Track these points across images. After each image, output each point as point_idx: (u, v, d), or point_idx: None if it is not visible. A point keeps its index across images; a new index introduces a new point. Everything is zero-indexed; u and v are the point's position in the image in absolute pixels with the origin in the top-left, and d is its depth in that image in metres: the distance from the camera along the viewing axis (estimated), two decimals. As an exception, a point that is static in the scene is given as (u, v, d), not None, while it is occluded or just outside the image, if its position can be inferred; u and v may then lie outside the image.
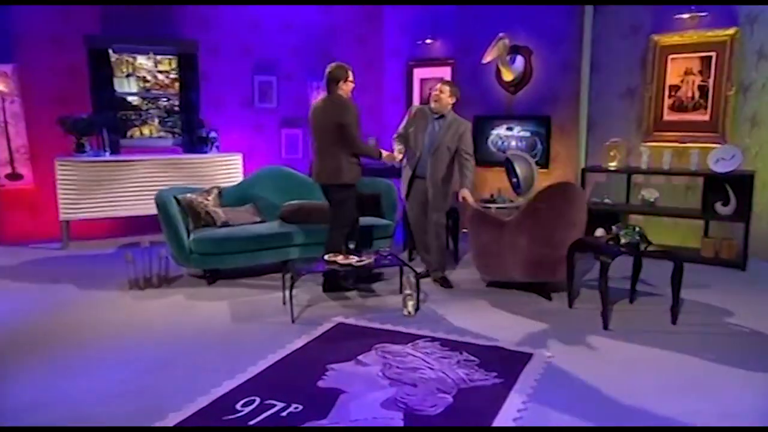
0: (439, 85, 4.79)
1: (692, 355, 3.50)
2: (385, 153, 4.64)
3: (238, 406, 2.88)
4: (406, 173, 4.98)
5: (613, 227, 4.10)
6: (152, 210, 5.33)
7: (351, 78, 4.44)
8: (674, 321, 4.02)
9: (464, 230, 6.24)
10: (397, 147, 4.80)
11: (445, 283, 4.89)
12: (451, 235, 5.82)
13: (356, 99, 4.53)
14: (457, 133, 4.74)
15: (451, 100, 4.78)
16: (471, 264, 5.39)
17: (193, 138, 6.78)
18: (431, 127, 4.78)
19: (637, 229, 4.04)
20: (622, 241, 4.01)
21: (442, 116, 4.79)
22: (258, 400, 2.94)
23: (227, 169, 6.62)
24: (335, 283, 4.71)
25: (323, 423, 2.72)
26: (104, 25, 6.46)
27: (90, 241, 6.45)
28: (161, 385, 3.12)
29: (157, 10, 6.64)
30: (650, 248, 4.08)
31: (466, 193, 4.72)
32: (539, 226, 4.33)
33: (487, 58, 6.11)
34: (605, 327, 3.92)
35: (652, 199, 5.82)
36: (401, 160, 4.85)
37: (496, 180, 6.53)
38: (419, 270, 4.71)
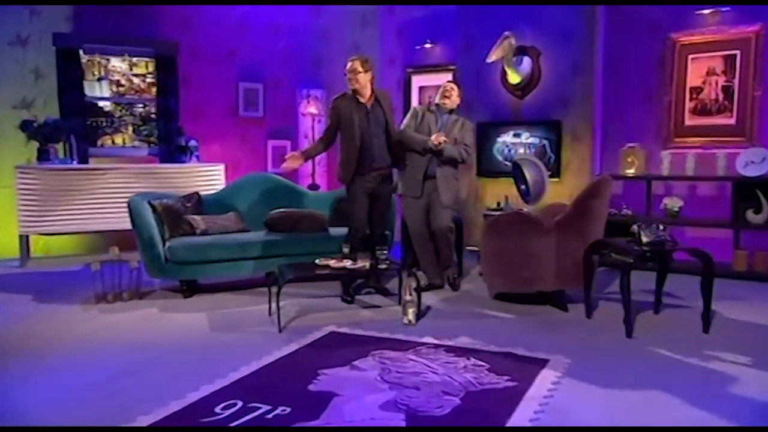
0: (449, 84, 5.24)
1: (726, 360, 3.45)
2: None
3: (217, 410, 2.80)
4: (406, 174, 5.10)
5: (634, 225, 4.09)
6: (124, 224, 5.32)
7: (345, 70, 4.72)
8: (706, 329, 3.97)
9: (469, 248, 6.25)
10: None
11: (455, 282, 5.18)
12: (455, 249, 5.80)
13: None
14: (463, 127, 5.15)
15: (458, 100, 5.21)
16: (476, 278, 5.50)
17: (170, 147, 6.79)
18: (441, 122, 5.13)
19: (662, 227, 4.03)
20: (644, 240, 3.99)
21: (450, 111, 5.17)
22: (240, 403, 2.86)
23: (208, 179, 6.61)
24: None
25: (315, 424, 2.65)
26: (75, 24, 6.55)
27: (53, 259, 6.38)
28: (129, 391, 3.05)
29: (133, 7, 6.74)
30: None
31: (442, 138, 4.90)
32: (593, 223, 4.50)
33: (492, 57, 6.20)
34: (628, 335, 3.87)
35: (675, 209, 5.82)
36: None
37: (502, 191, 6.53)
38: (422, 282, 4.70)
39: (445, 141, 4.87)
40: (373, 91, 4.82)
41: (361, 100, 4.75)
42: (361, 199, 4.77)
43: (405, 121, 5.21)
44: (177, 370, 3.34)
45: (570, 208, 4.60)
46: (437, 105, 5.16)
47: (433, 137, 4.89)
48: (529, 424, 2.66)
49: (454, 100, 5.11)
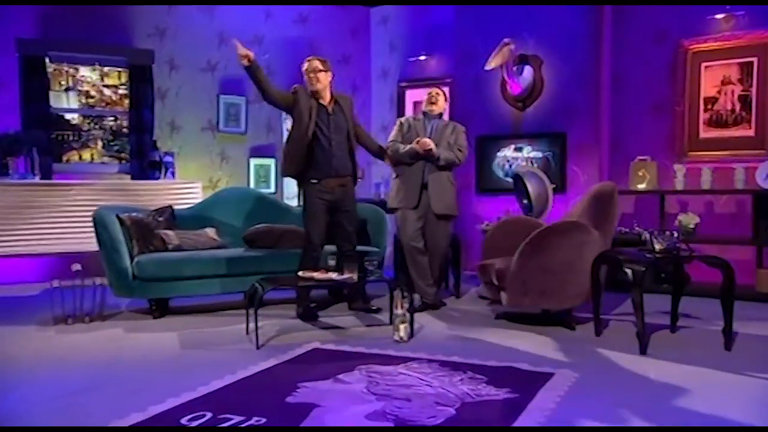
0: (434, 89, 5.43)
1: (749, 375, 3.40)
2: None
3: (183, 421, 2.72)
4: (401, 185, 5.17)
5: (645, 232, 4.08)
6: (90, 246, 5.25)
7: (303, 70, 4.80)
8: (728, 346, 3.91)
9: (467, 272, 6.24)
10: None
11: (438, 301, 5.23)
12: (452, 270, 5.78)
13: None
14: (455, 130, 5.28)
15: (446, 104, 5.44)
16: (475, 300, 5.58)
17: (143, 163, 6.76)
18: (430, 127, 5.25)
19: (675, 234, 4.02)
20: (657, 247, 3.97)
21: (439, 116, 5.31)
22: (209, 414, 2.78)
23: (183, 198, 6.55)
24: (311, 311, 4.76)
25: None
26: (41, 29, 6.57)
27: (6, 286, 6.21)
28: (84, 406, 2.95)
29: (104, 14, 6.78)
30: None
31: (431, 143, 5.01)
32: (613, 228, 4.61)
33: (491, 64, 6.26)
34: (642, 351, 3.81)
35: (691, 225, 5.80)
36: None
37: (502, 209, 6.52)
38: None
39: (425, 145, 4.95)
40: (332, 94, 4.85)
41: (322, 102, 4.77)
42: (319, 214, 4.76)
43: (391, 134, 5.33)
44: (140, 385, 3.26)
45: (597, 210, 4.59)
46: (424, 113, 5.31)
47: (414, 142, 5.00)
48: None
49: (440, 105, 5.31)
